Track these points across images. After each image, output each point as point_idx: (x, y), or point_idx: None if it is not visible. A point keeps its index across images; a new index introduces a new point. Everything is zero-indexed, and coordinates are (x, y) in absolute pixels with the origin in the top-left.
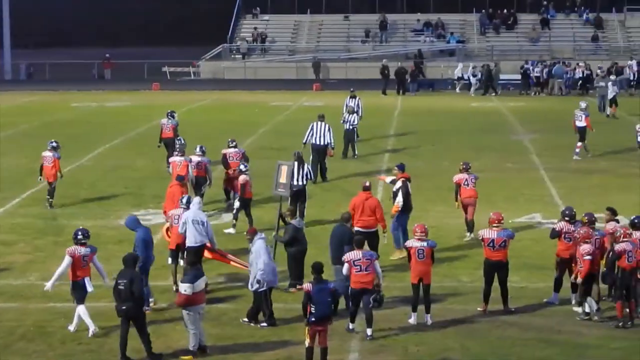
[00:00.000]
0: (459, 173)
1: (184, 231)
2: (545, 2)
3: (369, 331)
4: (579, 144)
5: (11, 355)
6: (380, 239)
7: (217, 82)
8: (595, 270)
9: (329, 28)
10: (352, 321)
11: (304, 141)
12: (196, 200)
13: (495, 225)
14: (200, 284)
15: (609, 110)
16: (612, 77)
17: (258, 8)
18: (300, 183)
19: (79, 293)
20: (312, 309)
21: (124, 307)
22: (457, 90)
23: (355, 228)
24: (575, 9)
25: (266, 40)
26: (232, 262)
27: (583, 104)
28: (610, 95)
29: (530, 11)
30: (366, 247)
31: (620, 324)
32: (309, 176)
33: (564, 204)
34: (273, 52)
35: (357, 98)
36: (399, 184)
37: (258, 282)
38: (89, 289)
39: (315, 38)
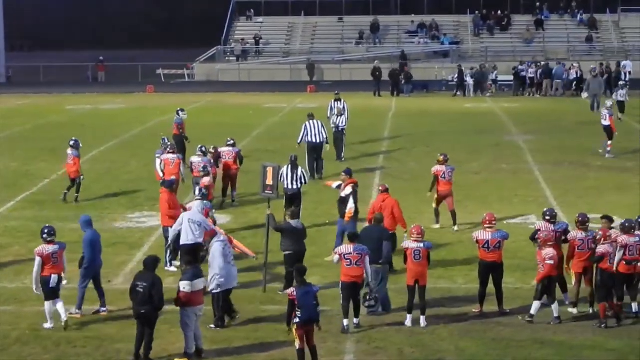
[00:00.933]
0: (437, 165)
1: (179, 229)
2: (539, 3)
3: (355, 320)
4: (609, 142)
5: (6, 358)
6: (399, 239)
7: (212, 84)
8: (556, 273)
9: (322, 30)
10: (346, 316)
11: (299, 141)
12: (197, 203)
13: (488, 226)
14: (199, 283)
15: (620, 115)
16: (621, 82)
17: (252, 10)
18: (294, 187)
19: (47, 289)
20: (298, 312)
21: (142, 311)
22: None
23: None
24: (569, 10)
25: (260, 43)
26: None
27: (609, 103)
28: (621, 98)
29: (524, 12)
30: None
31: (602, 325)
32: (303, 180)
33: (558, 204)
34: (267, 54)
35: (343, 101)
36: (348, 189)
37: (218, 285)
38: (52, 284)
39: (309, 40)
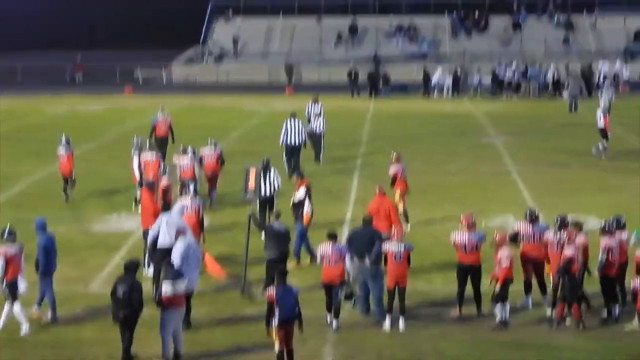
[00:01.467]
0: (394, 164)
1: (157, 230)
2: (516, 5)
3: (334, 323)
4: (605, 143)
5: None
6: None
7: (190, 85)
8: (512, 275)
9: (301, 31)
10: (329, 310)
11: (281, 142)
12: (178, 205)
13: (466, 227)
14: (181, 285)
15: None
16: (607, 82)
17: (230, 11)
18: (267, 194)
19: (14, 291)
20: (277, 311)
21: (121, 314)
22: (434, 96)
23: None
24: (547, 11)
25: (238, 44)
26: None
27: (602, 104)
28: (606, 101)
29: (501, 14)
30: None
31: (580, 327)
32: (276, 184)
33: (537, 206)
34: (246, 56)
35: (320, 104)
36: (302, 191)
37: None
38: (22, 288)
39: (288, 41)
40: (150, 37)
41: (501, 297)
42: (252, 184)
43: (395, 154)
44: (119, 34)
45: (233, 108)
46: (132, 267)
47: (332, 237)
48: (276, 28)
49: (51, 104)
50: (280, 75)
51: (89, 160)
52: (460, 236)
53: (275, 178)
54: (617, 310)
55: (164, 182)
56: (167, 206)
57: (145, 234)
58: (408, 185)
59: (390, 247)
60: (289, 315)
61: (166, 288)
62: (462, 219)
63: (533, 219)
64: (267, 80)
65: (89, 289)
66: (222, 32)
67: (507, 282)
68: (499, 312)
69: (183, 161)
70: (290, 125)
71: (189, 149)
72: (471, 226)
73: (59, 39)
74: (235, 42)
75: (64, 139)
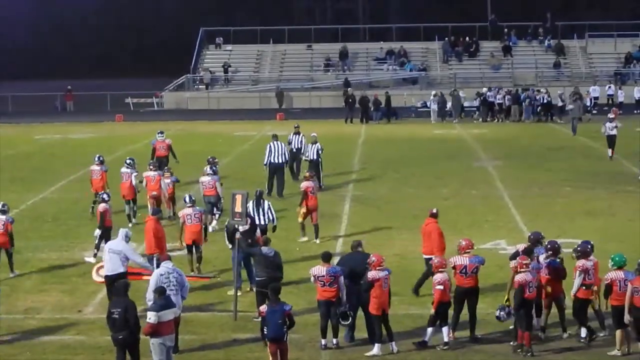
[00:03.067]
0: (305, 181)
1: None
2: (506, 30)
3: (334, 340)
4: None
5: None
6: None
7: (181, 112)
8: (447, 299)
9: (291, 58)
10: (324, 336)
11: (265, 163)
12: (121, 231)
13: (466, 251)
14: (168, 314)
15: (609, 152)
16: (610, 115)
17: (221, 38)
18: (261, 223)
19: None
20: (265, 329)
21: (120, 337)
22: (433, 120)
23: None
24: (537, 36)
25: (229, 70)
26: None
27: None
28: (611, 131)
29: (492, 39)
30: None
31: (529, 354)
32: (270, 216)
33: (528, 229)
34: (236, 82)
35: (301, 135)
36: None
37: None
38: None
39: (278, 68)
40: (141, 65)
41: (435, 320)
42: (239, 208)
43: (308, 172)
44: (110, 63)
45: (224, 134)
46: (122, 288)
47: (326, 258)
48: (266, 54)
49: (42, 133)
50: (271, 101)
51: (81, 188)
52: (461, 259)
53: (268, 210)
54: (583, 332)
55: (102, 206)
56: (106, 231)
57: (150, 259)
58: (315, 203)
59: (379, 275)
60: (275, 333)
61: (150, 317)
62: (461, 243)
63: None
64: (257, 106)
65: (81, 316)
66: (213, 58)
67: (441, 305)
68: (429, 334)
69: (206, 179)
70: (272, 146)
71: (208, 169)
72: (470, 249)
73: (50, 68)
74: (225, 68)
75: (97, 158)
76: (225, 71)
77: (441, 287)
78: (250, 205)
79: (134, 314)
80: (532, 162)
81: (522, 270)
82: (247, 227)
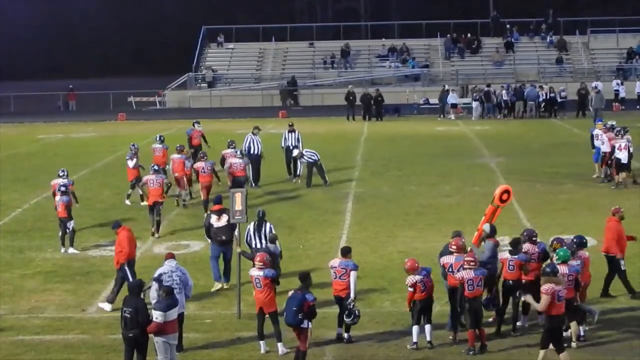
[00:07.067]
0: (200, 161)
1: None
2: (509, 26)
3: (346, 335)
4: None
5: None
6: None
7: (183, 111)
8: (421, 297)
9: (294, 55)
10: (340, 325)
11: (242, 150)
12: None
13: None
14: (173, 314)
15: (621, 177)
16: (628, 136)
17: (223, 36)
18: (263, 245)
19: None
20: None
21: (130, 335)
22: (452, 117)
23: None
24: (539, 32)
25: (231, 69)
26: None
27: (609, 124)
28: (623, 157)
29: (494, 35)
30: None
31: (471, 352)
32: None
33: (531, 226)
34: (238, 81)
35: (297, 132)
36: (224, 218)
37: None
38: None
39: (280, 66)
40: (143, 64)
41: (421, 316)
42: (239, 206)
43: (201, 152)
44: (112, 62)
45: (226, 132)
46: (135, 288)
47: (344, 251)
48: (269, 52)
49: (45, 132)
50: (273, 99)
51: (84, 186)
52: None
53: (270, 229)
54: (581, 330)
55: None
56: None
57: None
58: (208, 179)
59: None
60: (288, 318)
61: (157, 317)
62: (452, 243)
63: (533, 238)
64: (260, 104)
65: (85, 315)
66: (215, 57)
67: (421, 302)
68: (428, 333)
69: (237, 160)
70: (250, 139)
71: (239, 152)
72: (463, 249)
73: (52, 67)
74: (227, 67)
75: (158, 137)
76: (227, 69)
77: (412, 289)
78: (251, 227)
79: (143, 314)
80: (535, 159)
81: (466, 267)
82: (225, 223)
